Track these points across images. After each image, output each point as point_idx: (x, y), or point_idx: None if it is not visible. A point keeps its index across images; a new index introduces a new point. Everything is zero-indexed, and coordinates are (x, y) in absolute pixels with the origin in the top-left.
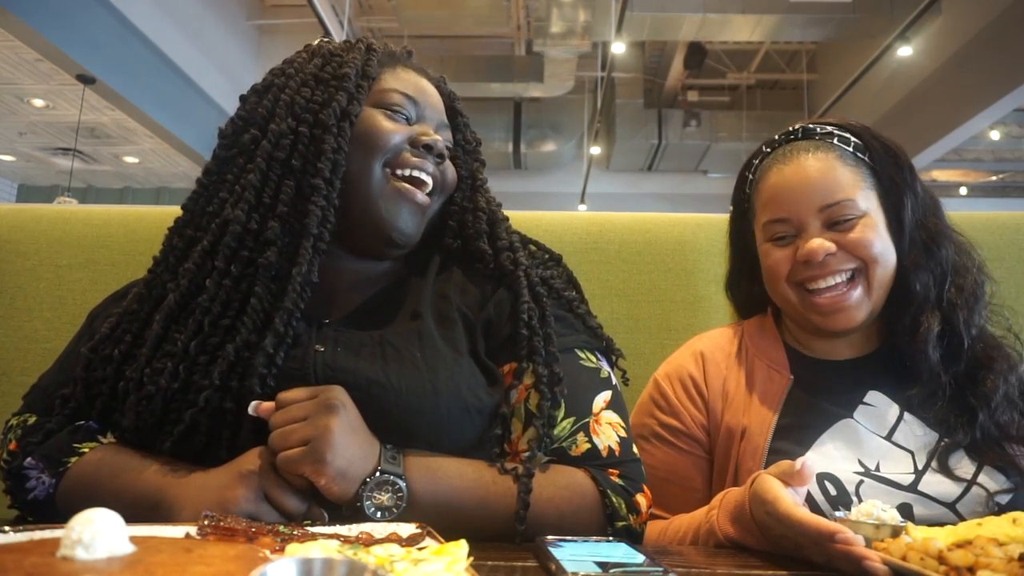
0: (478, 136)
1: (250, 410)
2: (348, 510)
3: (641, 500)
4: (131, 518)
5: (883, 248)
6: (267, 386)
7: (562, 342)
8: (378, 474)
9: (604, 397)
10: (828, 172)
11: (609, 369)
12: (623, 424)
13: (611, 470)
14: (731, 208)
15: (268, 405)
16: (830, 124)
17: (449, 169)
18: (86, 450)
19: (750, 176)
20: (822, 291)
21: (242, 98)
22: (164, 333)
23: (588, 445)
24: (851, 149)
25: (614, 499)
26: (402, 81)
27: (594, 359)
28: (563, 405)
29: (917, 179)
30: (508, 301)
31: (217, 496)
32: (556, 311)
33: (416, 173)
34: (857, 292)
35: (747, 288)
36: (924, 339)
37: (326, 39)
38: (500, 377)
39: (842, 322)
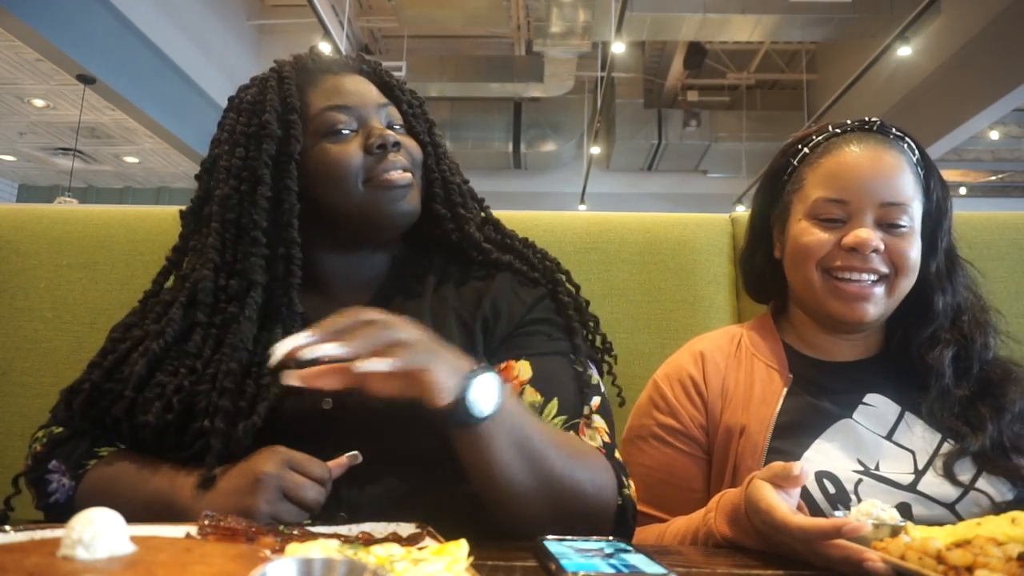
0: (417, 96)
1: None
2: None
3: (630, 483)
4: (145, 521)
5: (916, 264)
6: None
7: (558, 346)
8: (479, 369)
9: (594, 402)
10: (899, 172)
11: (599, 378)
12: (608, 431)
13: None
14: (764, 177)
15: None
16: (901, 131)
17: (411, 146)
18: (104, 454)
19: (805, 149)
20: (849, 280)
21: (197, 176)
22: (148, 375)
23: None
24: (915, 161)
25: (619, 472)
26: (329, 94)
27: (584, 365)
28: (557, 402)
29: (945, 189)
30: (504, 300)
31: (235, 502)
32: (554, 316)
33: (389, 173)
34: (880, 290)
35: (761, 265)
36: (940, 356)
37: (246, 86)
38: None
39: (859, 313)
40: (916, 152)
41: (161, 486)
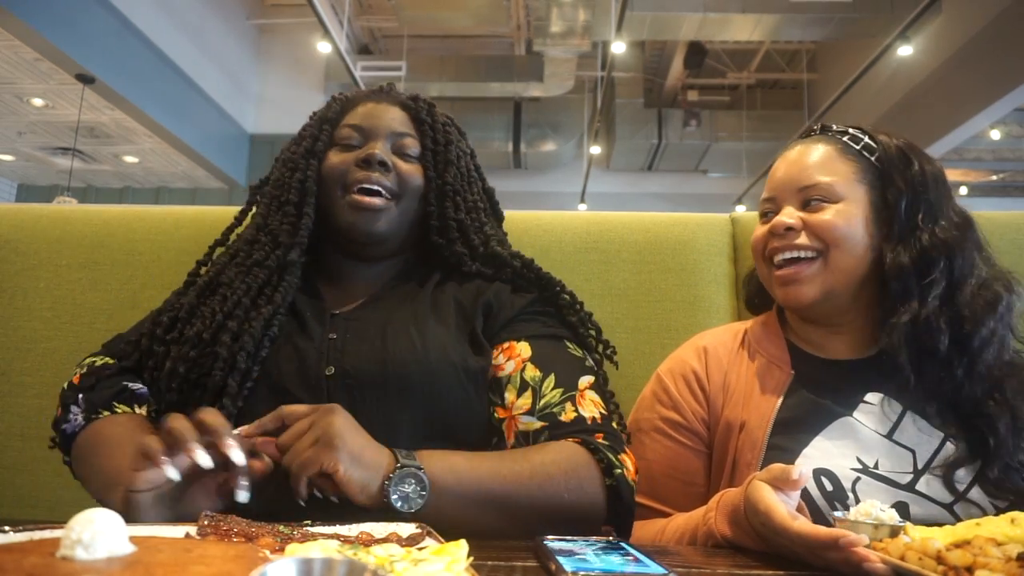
0: (450, 138)
1: (236, 454)
2: (371, 509)
3: (626, 459)
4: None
5: (849, 235)
6: (288, 362)
7: (554, 331)
8: (398, 467)
9: (587, 379)
10: (818, 159)
11: (594, 363)
12: (604, 405)
13: (596, 434)
14: None
15: (262, 440)
16: (853, 127)
17: (407, 172)
18: (119, 411)
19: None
20: (783, 264)
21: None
22: (197, 303)
23: (575, 413)
24: (858, 147)
25: (605, 454)
26: (355, 116)
27: (580, 352)
28: (554, 376)
29: (934, 189)
30: (505, 293)
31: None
32: (549, 309)
33: (364, 186)
34: (812, 268)
35: (758, 279)
36: (926, 340)
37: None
38: (487, 349)
39: (794, 294)
40: (861, 140)
41: (117, 463)
